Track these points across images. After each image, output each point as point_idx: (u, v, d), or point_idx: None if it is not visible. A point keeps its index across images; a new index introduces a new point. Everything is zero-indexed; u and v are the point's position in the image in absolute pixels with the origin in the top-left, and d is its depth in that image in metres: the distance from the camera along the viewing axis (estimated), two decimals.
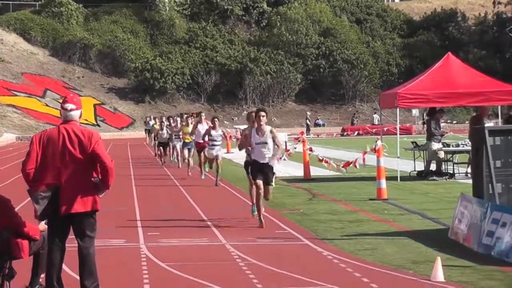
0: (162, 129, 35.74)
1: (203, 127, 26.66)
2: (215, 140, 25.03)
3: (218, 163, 24.73)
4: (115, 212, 18.10)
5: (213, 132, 25.02)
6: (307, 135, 73.71)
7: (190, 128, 29.29)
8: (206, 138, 25.22)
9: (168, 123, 38.39)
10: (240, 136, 19.09)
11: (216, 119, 25.79)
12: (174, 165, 34.17)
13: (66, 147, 8.89)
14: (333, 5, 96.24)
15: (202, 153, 26.51)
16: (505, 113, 27.15)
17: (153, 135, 43.38)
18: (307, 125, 77.18)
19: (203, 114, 28.57)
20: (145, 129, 60.96)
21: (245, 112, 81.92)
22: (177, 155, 34.27)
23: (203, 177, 27.12)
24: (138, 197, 21.82)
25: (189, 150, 29.89)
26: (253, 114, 15.87)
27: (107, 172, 8.88)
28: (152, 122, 56.41)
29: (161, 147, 35.92)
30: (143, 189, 24.19)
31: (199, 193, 22.85)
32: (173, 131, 34.29)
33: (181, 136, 31.87)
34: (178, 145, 33.29)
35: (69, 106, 9.07)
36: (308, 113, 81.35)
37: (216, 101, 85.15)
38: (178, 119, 35.79)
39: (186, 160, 29.90)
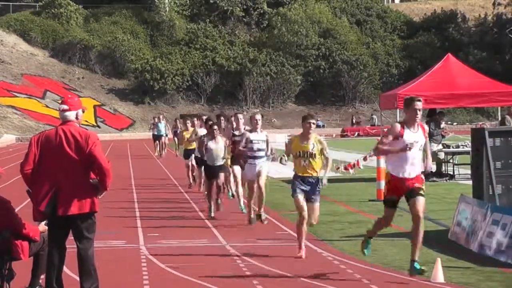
0: (213, 138, 17.52)
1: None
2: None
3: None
4: (116, 213, 18.09)
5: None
6: None
7: (260, 136, 15.99)
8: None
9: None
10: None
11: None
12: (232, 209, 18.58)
13: (63, 148, 8.85)
14: (333, 6, 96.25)
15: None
16: (502, 114, 27.15)
17: (183, 147, 25.16)
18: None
19: (312, 122, 12.65)
20: (153, 135, 44.14)
21: (245, 113, 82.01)
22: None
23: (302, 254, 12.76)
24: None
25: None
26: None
27: (104, 173, 8.82)
28: (162, 124, 43.09)
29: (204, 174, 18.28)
30: None
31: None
32: (242, 145, 16.10)
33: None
34: (238, 171, 17.61)
35: (61, 107, 9.06)
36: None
37: (216, 102, 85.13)
38: (241, 118, 17.61)
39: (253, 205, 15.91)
